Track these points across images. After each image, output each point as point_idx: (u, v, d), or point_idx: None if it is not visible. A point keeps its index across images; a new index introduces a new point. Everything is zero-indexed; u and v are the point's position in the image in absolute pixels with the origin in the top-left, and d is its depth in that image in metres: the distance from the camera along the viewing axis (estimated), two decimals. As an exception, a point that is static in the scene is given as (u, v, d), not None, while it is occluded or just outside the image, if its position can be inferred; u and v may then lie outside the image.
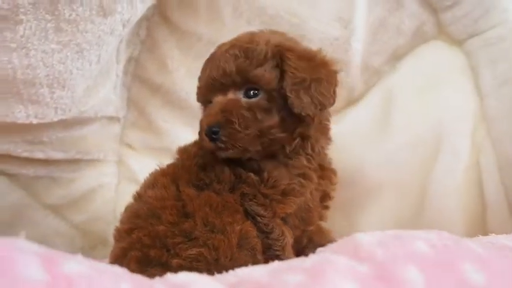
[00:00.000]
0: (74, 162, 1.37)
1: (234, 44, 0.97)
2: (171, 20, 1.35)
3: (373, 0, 1.36)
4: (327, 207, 1.10)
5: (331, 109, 1.22)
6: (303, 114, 0.95)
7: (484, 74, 1.35)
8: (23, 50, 1.06)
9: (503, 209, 1.26)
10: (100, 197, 1.41)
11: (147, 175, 1.03)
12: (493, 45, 1.34)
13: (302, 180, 0.99)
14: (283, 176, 0.98)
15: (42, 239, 1.27)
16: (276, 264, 0.73)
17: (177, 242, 0.86)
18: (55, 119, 1.22)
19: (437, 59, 1.43)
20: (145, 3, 1.19)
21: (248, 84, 0.94)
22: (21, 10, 1.01)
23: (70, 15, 1.06)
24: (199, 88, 1.00)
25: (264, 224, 0.94)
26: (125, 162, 1.46)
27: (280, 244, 0.94)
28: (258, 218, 0.93)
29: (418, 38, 1.43)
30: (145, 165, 1.32)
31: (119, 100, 1.39)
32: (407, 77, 1.45)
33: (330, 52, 1.36)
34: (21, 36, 1.05)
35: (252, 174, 0.95)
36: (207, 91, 0.98)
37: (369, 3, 1.35)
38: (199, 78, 1.00)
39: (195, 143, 1.04)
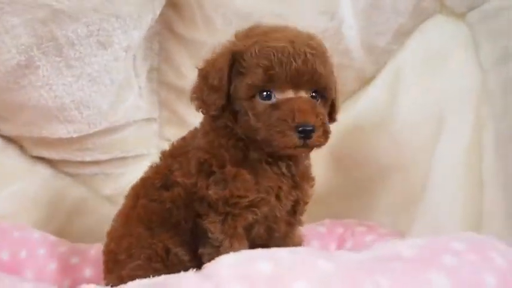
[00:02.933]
0: (121, 160, 1.72)
1: (310, 44, 1.00)
2: (177, 32, 1.60)
3: (360, -12, 1.46)
4: (300, 213, 1.16)
5: (346, 92, 1.45)
6: (335, 120, 1.10)
7: (484, 48, 1.38)
8: (47, 86, 1.41)
9: (497, 189, 1.32)
10: (145, 186, 1.76)
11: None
12: (491, 18, 1.36)
13: (270, 190, 1.06)
14: (248, 190, 1.04)
15: (98, 224, 1.70)
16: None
17: (122, 259, 1.12)
18: (91, 131, 1.58)
19: (441, 33, 1.48)
20: (140, 29, 1.45)
21: (317, 88, 1.02)
22: (35, 59, 1.35)
23: (75, 54, 1.38)
24: (270, 74, 0.98)
25: (213, 239, 1.04)
26: (165, 154, 1.79)
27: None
28: (209, 234, 1.05)
29: (420, 15, 1.50)
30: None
31: (148, 105, 1.70)
32: (412, 54, 1.54)
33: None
34: (43, 77, 1.39)
35: (211, 193, 1.04)
36: (282, 81, 0.99)
37: (354, -8, 1.46)
38: (267, 66, 0.98)
39: (172, 152, 1.18)
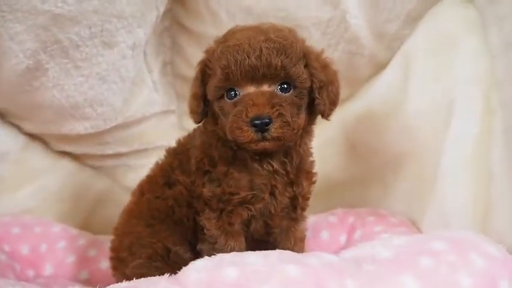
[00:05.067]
0: (142, 152, 1.80)
1: (269, 38, 1.02)
2: (186, 26, 1.64)
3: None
4: (302, 209, 1.20)
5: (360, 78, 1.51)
6: (324, 114, 1.08)
7: (492, 33, 1.33)
8: (59, 86, 1.48)
9: (505, 180, 1.28)
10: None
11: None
12: (499, 1, 1.31)
13: (263, 188, 1.10)
14: (242, 187, 1.09)
15: (121, 214, 1.80)
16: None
17: (124, 256, 1.19)
18: (107, 127, 1.65)
19: (450, 17, 1.45)
20: (145, 27, 1.50)
21: (283, 80, 1.03)
22: (43, 62, 1.42)
23: (81, 55, 1.44)
24: (227, 73, 1.02)
25: (209, 236, 1.11)
26: (184, 145, 1.85)
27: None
28: (205, 230, 1.11)
29: (429, -1, 1.46)
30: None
31: (165, 98, 1.76)
32: (422, 39, 1.51)
33: (330, 32, 1.53)
34: (53, 78, 1.46)
35: (205, 191, 1.10)
36: (239, 78, 1.02)
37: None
38: (225, 65, 1.02)
39: (175, 149, 1.24)
